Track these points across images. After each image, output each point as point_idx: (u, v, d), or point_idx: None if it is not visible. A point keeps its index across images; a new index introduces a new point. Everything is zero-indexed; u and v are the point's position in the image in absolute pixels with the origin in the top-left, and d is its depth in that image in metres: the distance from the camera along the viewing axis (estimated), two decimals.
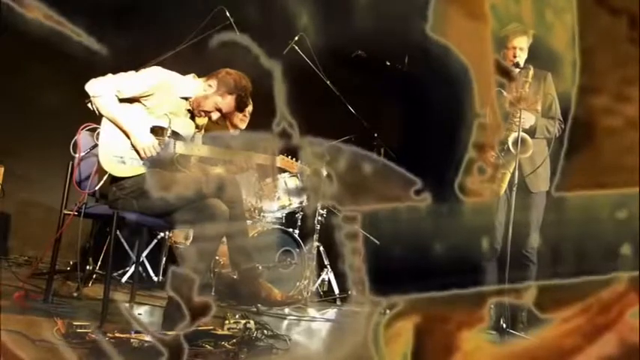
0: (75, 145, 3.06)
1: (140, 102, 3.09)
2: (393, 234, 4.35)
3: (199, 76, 3.25)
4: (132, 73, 3.10)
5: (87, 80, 3.02)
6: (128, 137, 3.04)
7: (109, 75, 3.05)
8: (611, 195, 3.37)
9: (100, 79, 3.04)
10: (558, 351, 2.63)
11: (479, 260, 3.74)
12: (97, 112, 3.03)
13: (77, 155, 3.06)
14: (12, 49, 4.32)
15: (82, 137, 3.06)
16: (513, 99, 3.58)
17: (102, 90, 3.01)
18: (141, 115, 3.08)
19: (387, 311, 2.76)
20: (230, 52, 3.55)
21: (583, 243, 3.74)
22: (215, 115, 3.23)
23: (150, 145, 3.05)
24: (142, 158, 3.05)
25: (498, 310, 3.48)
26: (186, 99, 3.19)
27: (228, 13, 3.84)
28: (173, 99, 3.15)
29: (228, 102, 3.20)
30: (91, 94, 3.02)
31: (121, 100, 3.05)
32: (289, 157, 3.53)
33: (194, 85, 3.21)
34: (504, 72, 3.63)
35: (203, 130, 3.40)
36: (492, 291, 3.48)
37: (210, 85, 3.19)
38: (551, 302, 2.99)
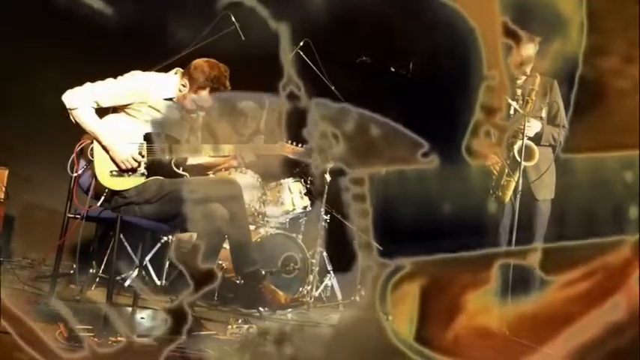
0: (72, 165, 3.00)
1: (125, 111, 3.06)
2: (400, 196, 4.31)
3: None
4: (110, 80, 3.04)
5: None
6: (106, 151, 2.99)
7: (87, 84, 2.99)
8: (618, 157, 3.34)
9: (77, 89, 2.98)
10: (562, 314, 2.61)
11: (485, 222, 3.69)
12: (74, 123, 2.98)
13: (75, 175, 3.01)
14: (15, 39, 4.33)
15: (78, 154, 3.02)
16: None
17: (78, 102, 2.96)
18: (125, 125, 3.04)
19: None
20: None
21: (590, 204, 3.70)
22: (202, 113, 3.18)
23: (128, 157, 3.00)
24: (122, 170, 3.00)
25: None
26: (170, 99, 3.13)
27: (233, 18, 3.82)
28: (158, 102, 3.09)
29: (204, 97, 3.11)
30: (67, 106, 2.96)
31: (105, 110, 3.00)
32: (293, 143, 3.39)
33: (173, 85, 3.13)
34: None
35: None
36: (499, 253, 3.42)
37: (184, 85, 3.12)
38: (557, 264, 2.95)
